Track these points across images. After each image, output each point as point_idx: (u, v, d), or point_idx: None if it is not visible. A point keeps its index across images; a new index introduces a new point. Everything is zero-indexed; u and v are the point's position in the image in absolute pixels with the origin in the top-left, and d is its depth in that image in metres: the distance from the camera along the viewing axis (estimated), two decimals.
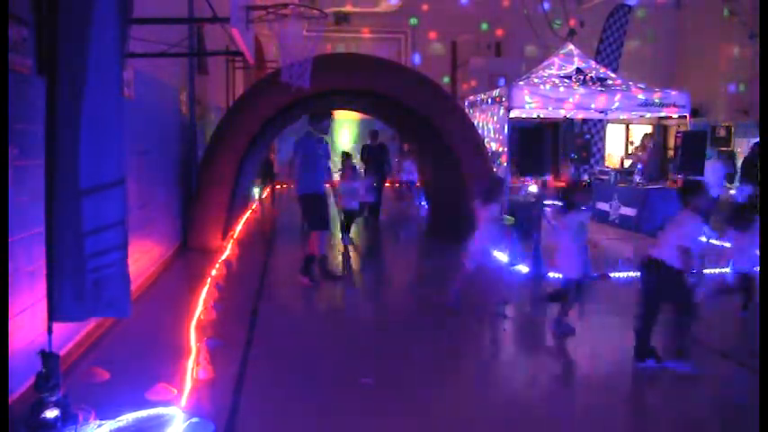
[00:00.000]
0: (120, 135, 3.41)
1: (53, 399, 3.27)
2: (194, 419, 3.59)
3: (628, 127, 21.74)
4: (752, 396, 3.88)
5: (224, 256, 7.96)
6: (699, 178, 10.46)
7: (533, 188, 12.23)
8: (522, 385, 4.65)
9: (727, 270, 6.43)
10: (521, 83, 11.60)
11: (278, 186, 14.12)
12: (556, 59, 12.57)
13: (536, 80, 11.83)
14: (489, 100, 12.46)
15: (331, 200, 8.91)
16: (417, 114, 9.49)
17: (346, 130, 19.88)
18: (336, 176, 11.15)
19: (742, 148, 16.71)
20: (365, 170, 11.99)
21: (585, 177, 14.71)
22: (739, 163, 13.20)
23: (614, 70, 14.57)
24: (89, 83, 3.22)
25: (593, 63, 12.71)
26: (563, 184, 11.96)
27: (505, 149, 11.36)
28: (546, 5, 16.08)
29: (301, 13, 5.40)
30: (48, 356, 3.30)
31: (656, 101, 11.48)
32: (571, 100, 11.17)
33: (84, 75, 3.21)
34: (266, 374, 4.52)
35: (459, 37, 21.06)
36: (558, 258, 5.65)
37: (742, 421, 3.99)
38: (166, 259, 7.93)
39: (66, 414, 3.32)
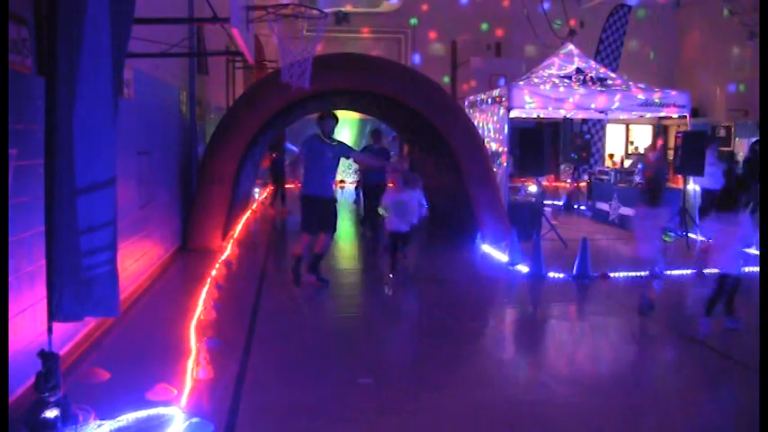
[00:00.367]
0: (112, 135, 3.41)
1: (53, 399, 3.27)
2: (194, 419, 3.59)
3: (628, 127, 21.76)
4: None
5: (224, 257, 7.96)
6: (699, 179, 10.51)
7: (533, 188, 12.25)
8: (521, 385, 4.66)
9: (710, 270, 6.09)
10: (521, 83, 11.61)
11: (287, 186, 14.24)
12: (556, 59, 12.57)
13: (536, 80, 11.83)
14: (489, 100, 12.46)
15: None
16: (417, 114, 9.49)
17: (347, 129, 19.87)
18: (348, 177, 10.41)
19: (742, 148, 16.71)
20: (363, 174, 11.46)
21: (585, 177, 14.73)
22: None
23: (614, 70, 14.58)
24: (81, 83, 3.23)
25: (593, 63, 12.71)
26: (649, 174, 11.25)
27: (505, 149, 11.36)
28: (546, 5, 16.10)
29: (301, 12, 5.40)
30: (48, 356, 3.30)
31: (656, 101, 11.47)
32: (571, 100, 11.17)
33: (76, 75, 3.22)
34: (266, 374, 4.52)
35: (459, 37, 21.06)
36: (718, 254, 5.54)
37: (742, 422, 3.99)
38: (166, 259, 7.93)
39: (66, 414, 3.32)
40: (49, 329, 3.42)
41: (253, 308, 6.21)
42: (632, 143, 21.92)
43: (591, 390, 4.41)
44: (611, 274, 7.56)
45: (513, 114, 11.35)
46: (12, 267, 3.57)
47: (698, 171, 9.98)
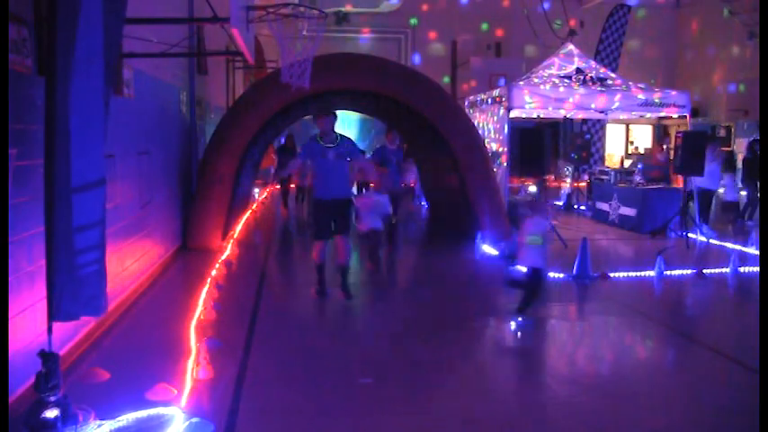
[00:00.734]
0: (102, 135, 3.41)
1: (53, 399, 3.27)
2: (194, 419, 3.59)
3: (628, 127, 21.77)
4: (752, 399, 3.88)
5: (224, 257, 7.96)
6: (698, 179, 10.51)
7: (533, 188, 12.25)
8: (522, 385, 4.66)
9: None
10: (521, 83, 11.61)
11: (292, 186, 14.25)
12: (556, 59, 12.57)
13: (536, 80, 11.83)
14: (489, 100, 12.46)
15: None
16: (417, 114, 9.49)
17: (346, 129, 19.88)
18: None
19: (742, 148, 16.71)
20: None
21: (585, 177, 14.73)
22: (739, 164, 13.22)
23: (614, 70, 14.58)
24: (75, 82, 3.23)
25: (593, 63, 12.72)
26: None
27: (505, 149, 11.36)
28: (546, 5, 16.11)
29: (301, 12, 5.40)
30: (48, 356, 3.30)
31: (656, 101, 11.48)
32: (571, 100, 11.17)
33: (70, 74, 3.22)
34: (266, 374, 4.52)
35: (459, 37, 21.07)
36: None
37: (742, 422, 3.98)
38: (166, 259, 7.93)
39: (66, 414, 3.32)
40: (49, 329, 3.42)
41: (253, 308, 6.21)
42: (632, 143, 21.94)
43: (591, 390, 4.41)
44: (611, 274, 7.56)
45: (513, 114, 11.36)
46: (12, 267, 3.57)
47: (698, 171, 9.98)
